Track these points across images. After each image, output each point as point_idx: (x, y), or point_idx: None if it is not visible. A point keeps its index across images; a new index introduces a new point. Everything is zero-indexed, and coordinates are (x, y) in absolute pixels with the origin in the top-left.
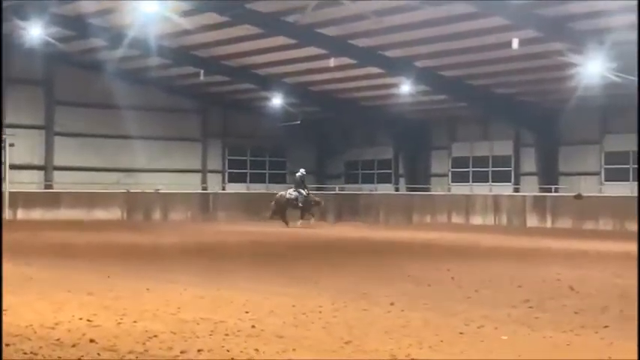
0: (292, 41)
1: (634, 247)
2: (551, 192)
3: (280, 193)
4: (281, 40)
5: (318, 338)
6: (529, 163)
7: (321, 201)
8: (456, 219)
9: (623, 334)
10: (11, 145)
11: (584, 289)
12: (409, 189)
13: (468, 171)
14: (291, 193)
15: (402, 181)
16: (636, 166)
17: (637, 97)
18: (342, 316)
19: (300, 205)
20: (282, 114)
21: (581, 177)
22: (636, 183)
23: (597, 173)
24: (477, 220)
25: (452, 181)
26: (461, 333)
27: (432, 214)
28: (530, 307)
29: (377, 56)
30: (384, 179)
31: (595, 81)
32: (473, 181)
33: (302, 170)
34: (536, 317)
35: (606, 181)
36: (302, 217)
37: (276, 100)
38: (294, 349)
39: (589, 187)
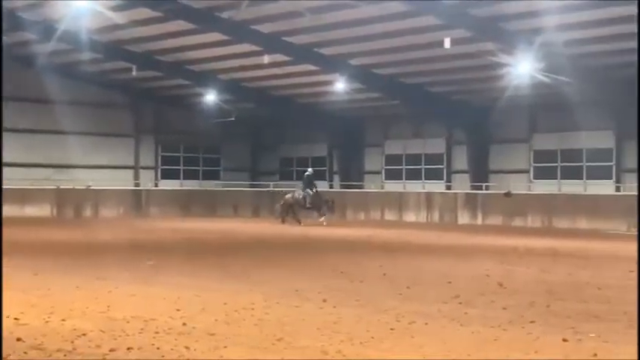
0: (226, 37)
1: (561, 243)
2: (481, 189)
3: (288, 194)
4: (215, 36)
5: (249, 335)
6: (461, 161)
7: (330, 200)
8: (390, 216)
9: (549, 329)
10: None
11: (513, 285)
12: (343, 186)
13: (401, 169)
14: (299, 193)
15: (336, 178)
16: (564, 164)
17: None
18: (274, 313)
19: (309, 205)
20: (216, 110)
21: (510, 175)
22: (563, 181)
23: (526, 171)
24: (409, 217)
25: (385, 179)
26: (392, 329)
27: (365, 211)
28: (460, 303)
29: (312, 53)
30: (319, 176)
31: (524, 81)
32: (406, 179)
33: (310, 169)
34: (466, 313)
35: (535, 179)
36: (314, 217)
37: (210, 97)
38: (225, 347)
39: (518, 185)
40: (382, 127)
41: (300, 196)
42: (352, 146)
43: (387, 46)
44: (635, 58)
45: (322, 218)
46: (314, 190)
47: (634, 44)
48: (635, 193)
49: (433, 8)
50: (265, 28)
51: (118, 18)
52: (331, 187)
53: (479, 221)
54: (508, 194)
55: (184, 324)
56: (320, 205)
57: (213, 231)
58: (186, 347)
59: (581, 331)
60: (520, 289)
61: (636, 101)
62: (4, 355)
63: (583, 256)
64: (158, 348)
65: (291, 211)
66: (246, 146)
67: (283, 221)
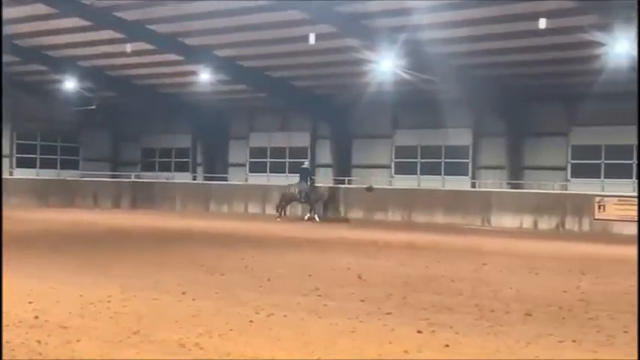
0: (87, 23)
1: (419, 237)
2: (344, 183)
3: (283, 189)
4: (75, 21)
5: (104, 328)
6: (324, 154)
7: (325, 193)
8: (253, 209)
9: (404, 321)
10: None
11: (372, 278)
12: (207, 178)
13: (266, 161)
14: (295, 187)
15: (199, 170)
16: (424, 160)
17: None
18: (132, 306)
19: (303, 200)
20: (76, 98)
21: (372, 169)
22: (423, 176)
23: (388, 166)
24: (273, 210)
25: (250, 172)
26: (251, 321)
27: (229, 203)
28: (319, 296)
29: (176, 43)
30: (182, 168)
31: (387, 78)
32: (270, 172)
33: (306, 162)
34: (325, 305)
35: (396, 174)
36: (309, 212)
37: (70, 84)
38: (78, 340)
39: (380, 180)
40: (247, 120)
41: (296, 191)
42: (217, 138)
43: (252, 38)
44: (494, 59)
45: (314, 214)
46: (310, 184)
47: (493, 45)
48: (488, 189)
49: (296, 3)
50: (128, 15)
51: None
52: (194, 178)
53: (341, 215)
54: (370, 189)
55: (36, 317)
56: (315, 199)
57: (70, 222)
58: (38, 341)
59: (434, 323)
60: (378, 281)
61: (491, 100)
62: None
63: (439, 249)
64: (7, 342)
65: (288, 205)
66: (107, 136)
67: (283, 214)
